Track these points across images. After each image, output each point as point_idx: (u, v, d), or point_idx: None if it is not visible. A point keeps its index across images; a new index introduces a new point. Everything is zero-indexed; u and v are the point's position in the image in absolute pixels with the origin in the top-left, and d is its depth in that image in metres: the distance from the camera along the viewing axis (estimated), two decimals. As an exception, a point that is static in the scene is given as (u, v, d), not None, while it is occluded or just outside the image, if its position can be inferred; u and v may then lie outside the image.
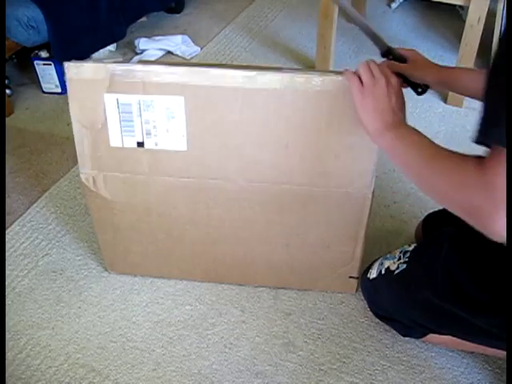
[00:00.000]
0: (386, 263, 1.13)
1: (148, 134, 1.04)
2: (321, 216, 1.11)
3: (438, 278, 1.00)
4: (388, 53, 1.10)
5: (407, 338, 1.18)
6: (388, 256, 1.14)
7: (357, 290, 1.25)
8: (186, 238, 1.20)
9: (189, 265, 1.26)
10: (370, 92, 0.91)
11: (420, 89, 1.07)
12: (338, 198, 1.08)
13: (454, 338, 1.09)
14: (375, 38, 1.11)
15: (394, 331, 1.18)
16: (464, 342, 1.09)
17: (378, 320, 1.20)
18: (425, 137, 0.86)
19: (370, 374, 1.13)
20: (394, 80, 0.93)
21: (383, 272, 1.12)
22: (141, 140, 1.05)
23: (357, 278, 1.22)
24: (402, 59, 1.06)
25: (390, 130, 0.89)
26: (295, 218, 1.12)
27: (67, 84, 1.03)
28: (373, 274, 1.15)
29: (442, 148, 0.80)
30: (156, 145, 1.05)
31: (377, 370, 1.14)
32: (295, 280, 1.25)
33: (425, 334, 1.13)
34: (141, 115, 1.02)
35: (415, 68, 1.05)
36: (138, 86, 1.00)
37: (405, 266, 1.08)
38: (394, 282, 1.10)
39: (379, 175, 1.57)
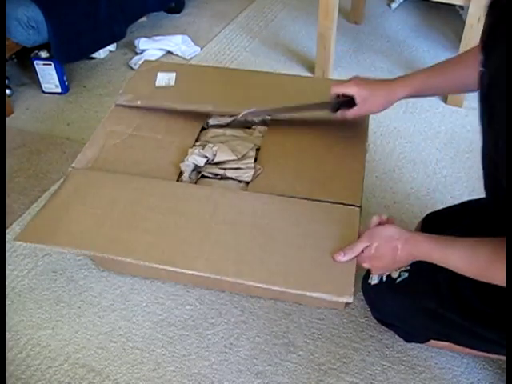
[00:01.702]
0: (396, 277, 1.09)
1: None
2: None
3: (441, 289, 1.00)
4: (336, 108, 1.12)
5: (407, 338, 1.18)
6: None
7: (345, 306, 1.23)
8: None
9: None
10: (375, 258, 0.99)
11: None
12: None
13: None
14: (316, 107, 1.14)
15: (394, 331, 1.18)
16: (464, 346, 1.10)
17: (383, 326, 1.20)
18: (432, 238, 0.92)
19: (370, 374, 1.13)
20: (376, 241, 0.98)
21: (384, 279, 1.09)
22: None
23: None
24: (350, 103, 1.10)
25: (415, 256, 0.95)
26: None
27: None
28: (374, 279, 1.11)
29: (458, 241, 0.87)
30: None
31: (377, 370, 1.14)
32: (282, 292, 1.23)
33: (428, 340, 1.12)
34: None
35: (366, 106, 1.08)
36: None
37: (407, 274, 1.05)
38: (396, 291, 1.07)
39: (379, 175, 1.57)
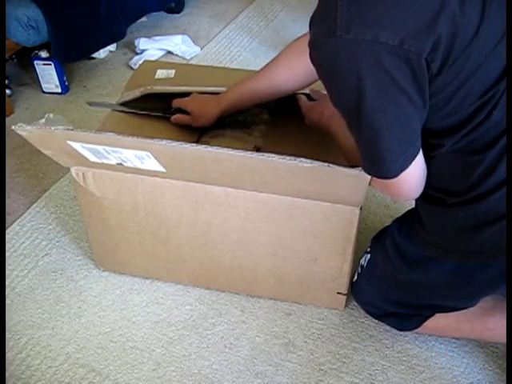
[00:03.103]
0: (361, 261, 1.16)
1: (123, 161, 1.04)
2: (307, 228, 1.09)
3: (389, 254, 1.06)
4: (170, 111, 1.25)
5: (407, 338, 1.18)
6: (362, 255, 1.16)
7: (346, 306, 1.24)
8: (173, 241, 1.19)
9: (175, 268, 1.26)
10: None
11: None
12: (325, 211, 1.05)
13: (447, 323, 1.11)
14: (154, 110, 1.26)
15: (395, 331, 1.18)
16: (457, 326, 1.11)
17: (378, 320, 1.20)
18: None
19: (370, 374, 1.13)
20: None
21: (359, 271, 1.16)
22: (119, 163, 1.05)
23: (345, 294, 1.20)
24: (183, 110, 1.22)
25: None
26: (281, 228, 1.10)
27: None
28: (355, 277, 1.18)
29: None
30: (135, 166, 1.05)
31: (377, 370, 1.14)
32: (282, 292, 1.24)
33: (417, 326, 1.13)
34: (110, 154, 1.02)
35: (196, 118, 1.20)
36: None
37: (369, 255, 1.13)
38: (367, 275, 1.14)
39: (379, 175, 1.57)
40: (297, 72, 1.11)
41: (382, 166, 0.83)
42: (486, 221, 0.85)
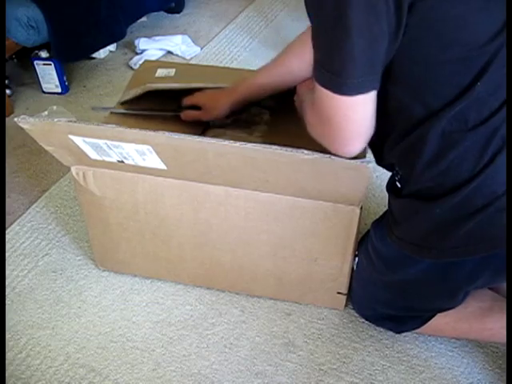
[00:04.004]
0: (353, 265, 1.16)
1: (125, 158, 1.03)
2: (308, 228, 1.09)
3: (370, 255, 1.06)
4: (180, 108, 1.23)
5: (407, 338, 1.18)
6: (353, 258, 1.16)
7: (346, 306, 1.24)
8: (173, 240, 1.19)
9: (176, 267, 1.25)
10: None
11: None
12: (325, 211, 1.05)
13: (445, 322, 1.10)
14: (160, 111, 1.24)
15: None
16: (456, 326, 1.11)
17: (375, 324, 1.20)
18: None
19: (370, 374, 1.13)
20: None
21: (352, 275, 1.16)
22: (119, 160, 1.05)
23: (345, 294, 1.20)
24: (195, 107, 1.20)
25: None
26: (282, 228, 1.10)
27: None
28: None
29: None
30: (136, 163, 1.05)
31: (377, 370, 1.14)
32: (282, 292, 1.24)
33: (416, 328, 1.13)
34: (112, 149, 1.01)
35: (208, 111, 1.18)
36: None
37: (357, 259, 1.13)
38: (358, 278, 1.15)
39: (379, 175, 1.57)
40: (307, 59, 1.11)
41: (339, 77, 0.73)
42: (462, 215, 0.83)
